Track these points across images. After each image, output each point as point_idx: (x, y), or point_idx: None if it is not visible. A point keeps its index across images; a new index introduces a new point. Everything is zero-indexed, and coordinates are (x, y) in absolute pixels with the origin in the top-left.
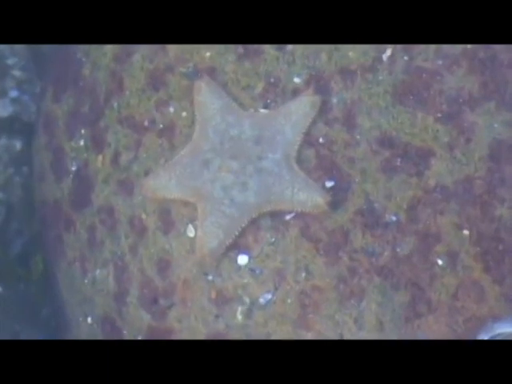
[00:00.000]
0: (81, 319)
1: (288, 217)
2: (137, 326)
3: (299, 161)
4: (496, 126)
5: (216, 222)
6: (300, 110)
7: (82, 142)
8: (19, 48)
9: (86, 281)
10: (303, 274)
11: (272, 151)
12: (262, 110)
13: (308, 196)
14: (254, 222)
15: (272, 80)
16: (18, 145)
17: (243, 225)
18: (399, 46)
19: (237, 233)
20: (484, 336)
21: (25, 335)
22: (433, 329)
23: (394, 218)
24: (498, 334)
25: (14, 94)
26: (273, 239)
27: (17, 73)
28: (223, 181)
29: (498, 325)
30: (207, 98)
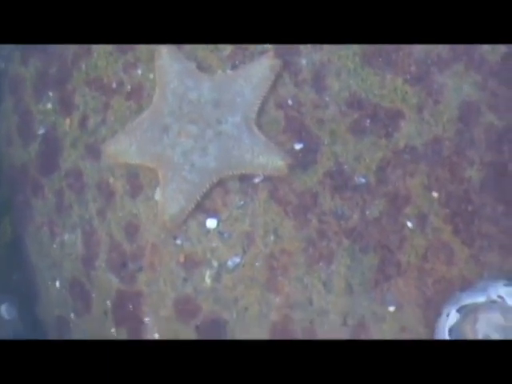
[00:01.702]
0: (49, 283)
1: (257, 180)
2: (105, 289)
3: (268, 123)
4: (465, 87)
5: (177, 188)
6: (260, 72)
7: (49, 105)
8: None
9: (54, 245)
10: (272, 238)
11: (231, 114)
12: (228, 70)
13: (268, 159)
14: (222, 186)
15: None
16: None
17: (204, 190)
18: None
19: (198, 198)
20: (451, 307)
21: None
22: (402, 291)
23: (363, 180)
24: (465, 306)
25: None
26: (241, 202)
27: None
28: (183, 146)
29: (466, 294)
30: (167, 62)
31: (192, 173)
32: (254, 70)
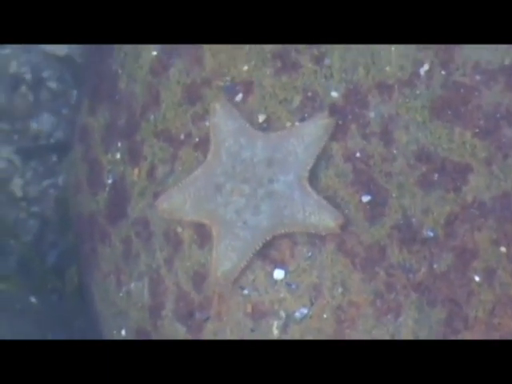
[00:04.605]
0: (115, 332)
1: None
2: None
3: (336, 175)
4: None
5: (230, 245)
6: (313, 132)
7: (118, 155)
8: (54, 60)
9: (120, 294)
10: (340, 290)
11: (284, 173)
12: (297, 122)
13: (320, 219)
14: (290, 237)
15: (309, 94)
16: (53, 157)
17: (257, 247)
18: (437, 61)
19: (251, 255)
20: None
21: None
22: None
23: (431, 234)
24: None
25: (50, 105)
26: (309, 254)
27: (52, 85)
28: (235, 204)
29: None
30: (221, 120)
31: (245, 231)
32: (307, 128)
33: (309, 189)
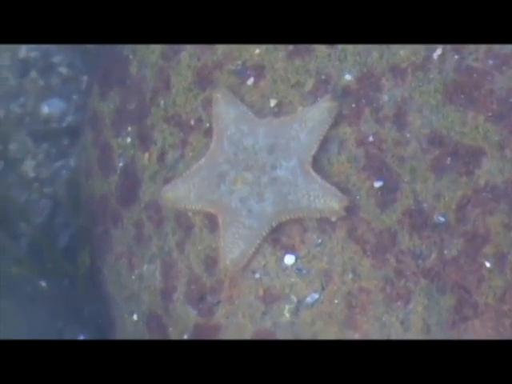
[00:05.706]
0: (126, 316)
1: (334, 218)
2: (183, 322)
3: (348, 160)
4: None
5: (236, 233)
6: (316, 116)
7: (128, 139)
8: (64, 45)
9: (132, 277)
10: (350, 276)
11: (286, 159)
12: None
13: (325, 202)
14: (300, 223)
15: (323, 77)
16: (64, 140)
17: (264, 234)
18: (450, 46)
19: (258, 242)
20: None
21: (68, 332)
22: (479, 332)
23: (442, 219)
24: None
25: (60, 90)
26: (319, 240)
27: (63, 70)
28: (240, 193)
29: None
30: (223, 109)
31: (250, 218)
32: (310, 113)
33: (312, 173)
